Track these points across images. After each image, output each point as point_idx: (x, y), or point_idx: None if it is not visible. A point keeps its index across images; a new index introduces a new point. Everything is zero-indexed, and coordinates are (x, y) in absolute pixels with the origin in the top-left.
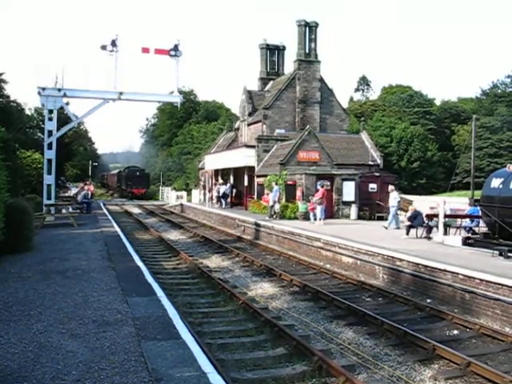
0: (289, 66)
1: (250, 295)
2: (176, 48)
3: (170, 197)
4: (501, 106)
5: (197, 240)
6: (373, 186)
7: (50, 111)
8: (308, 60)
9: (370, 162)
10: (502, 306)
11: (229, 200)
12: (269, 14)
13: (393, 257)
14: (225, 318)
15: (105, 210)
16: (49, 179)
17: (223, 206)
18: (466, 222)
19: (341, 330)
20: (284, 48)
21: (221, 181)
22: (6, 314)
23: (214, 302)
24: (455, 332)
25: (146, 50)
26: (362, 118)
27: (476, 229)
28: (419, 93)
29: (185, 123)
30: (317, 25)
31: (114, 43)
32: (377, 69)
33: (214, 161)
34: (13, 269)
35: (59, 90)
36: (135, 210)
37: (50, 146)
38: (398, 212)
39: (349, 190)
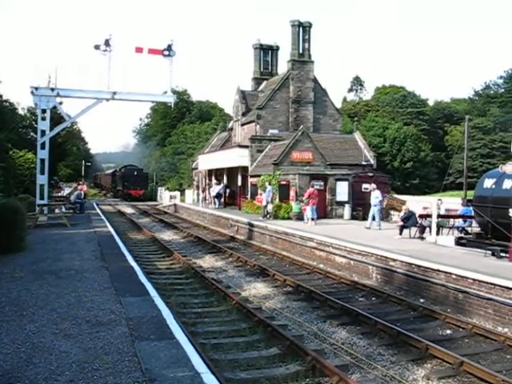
0: (282, 66)
1: (244, 295)
2: (169, 48)
3: (163, 197)
4: (493, 106)
5: (190, 240)
6: (366, 186)
7: (43, 111)
8: (301, 60)
9: (364, 162)
10: (494, 306)
11: (222, 200)
12: (262, 14)
13: (386, 257)
14: (218, 318)
15: (98, 210)
16: (42, 179)
17: (217, 206)
18: (459, 222)
19: (334, 329)
20: (278, 48)
21: (215, 181)
22: None
23: (207, 302)
24: (448, 332)
25: (139, 50)
26: (356, 119)
27: (469, 229)
28: (412, 93)
29: (178, 123)
30: (310, 25)
31: (107, 43)
32: (370, 69)
33: (207, 161)
34: (5, 269)
35: (52, 89)
36: (128, 210)
37: (43, 146)
38: (392, 212)
39: (342, 190)
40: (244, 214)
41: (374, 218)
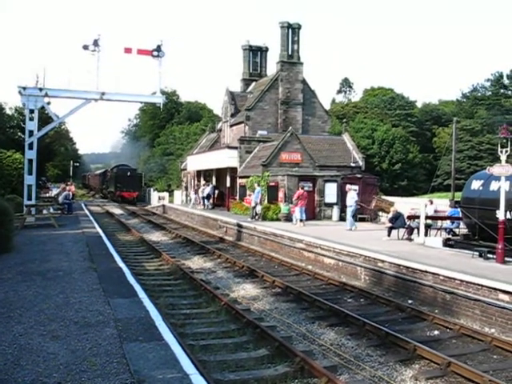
0: (271, 68)
1: (233, 296)
2: (159, 48)
3: (152, 198)
4: (481, 108)
5: (179, 241)
6: (355, 188)
7: (31, 111)
8: (291, 61)
9: (352, 164)
10: (481, 307)
11: (211, 201)
12: (252, 15)
13: (374, 258)
14: (207, 320)
15: (86, 211)
16: (29, 179)
17: (206, 206)
18: (447, 223)
19: (323, 331)
20: (267, 49)
21: (203, 182)
22: None
23: (196, 304)
24: (436, 332)
25: (128, 51)
26: (344, 120)
27: (456, 230)
28: (401, 95)
29: (167, 124)
30: (299, 26)
31: (96, 43)
32: (359, 71)
33: (196, 162)
34: None
35: (40, 89)
36: (117, 211)
37: (30, 146)
38: (380, 213)
39: (331, 192)
40: (233, 215)
41: (353, 218)
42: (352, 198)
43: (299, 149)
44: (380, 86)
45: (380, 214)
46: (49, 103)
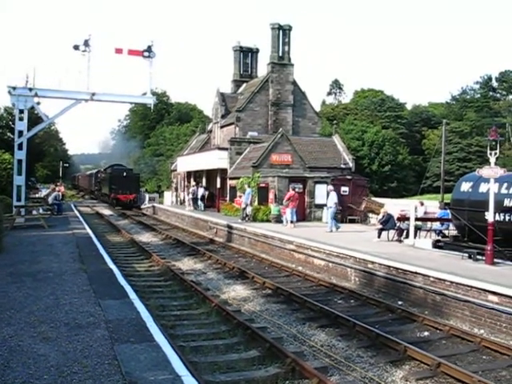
0: (262, 69)
1: (223, 298)
2: (149, 49)
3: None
4: (470, 111)
5: (169, 242)
6: (345, 189)
7: (21, 111)
8: (281, 63)
9: (342, 165)
10: (471, 308)
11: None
12: (243, 16)
13: (364, 259)
14: (198, 321)
15: (76, 212)
16: (19, 180)
17: (199, 208)
18: (437, 225)
19: (313, 332)
20: (257, 50)
21: (193, 183)
22: None
23: (186, 305)
24: (426, 333)
25: (119, 51)
26: (335, 122)
27: (446, 232)
28: (391, 97)
29: (157, 125)
30: (290, 28)
31: (86, 43)
32: (349, 72)
33: (186, 163)
34: None
35: (30, 89)
36: (106, 212)
37: (20, 147)
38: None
39: (321, 193)
40: (223, 217)
41: (335, 220)
42: (331, 199)
43: (290, 150)
44: (370, 87)
45: (370, 215)
46: (38, 103)
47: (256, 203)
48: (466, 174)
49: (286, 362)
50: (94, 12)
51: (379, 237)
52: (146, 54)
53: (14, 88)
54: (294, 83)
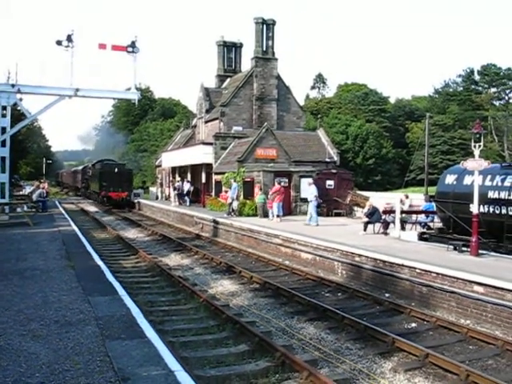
0: (246, 64)
1: (211, 293)
2: (133, 44)
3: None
4: (452, 104)
5: (155, 238)
6: (330, 183)
7: (4, 108)
8: (265, 57)
9: (327, 159)
10: (457, 299)
11: (186, 198)
12: (226, 10)
13: (351, 252)
14: (186, 316)
15: (61, 209)
16: (2, 178)
17: (185, 203)
18: (422, 217)
19: (302, 325)
20: (241, 45)
21: (178, 178)
22: None
23: (174, 300)
24: (413, 325)
25: (102, 46)
26: (319, 116)
27: (431, 224)
28: (374, 91)
29: (141, 120)
30: (274, 22)
31: (69, 38)
32: (333, 67)
33: (171, 158)
34: None
35: (13, 85)
36: (91, 209)
37: (3, 144)
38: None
39: (306, 187)
40: (208, 212)
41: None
42: (312, 193)
43: (274, 144)
44: (354, 81)
45: (355, 208)
46: (21, 99)
47: (242, 198)
48: (451, 167)
49: (275, 355)
50: (78, 7)
51: (365, 230)
52: (130, 49)
53: None
54: (278, 77)
